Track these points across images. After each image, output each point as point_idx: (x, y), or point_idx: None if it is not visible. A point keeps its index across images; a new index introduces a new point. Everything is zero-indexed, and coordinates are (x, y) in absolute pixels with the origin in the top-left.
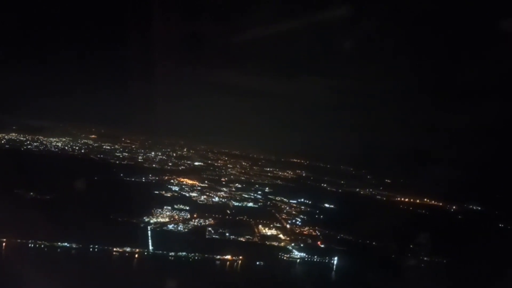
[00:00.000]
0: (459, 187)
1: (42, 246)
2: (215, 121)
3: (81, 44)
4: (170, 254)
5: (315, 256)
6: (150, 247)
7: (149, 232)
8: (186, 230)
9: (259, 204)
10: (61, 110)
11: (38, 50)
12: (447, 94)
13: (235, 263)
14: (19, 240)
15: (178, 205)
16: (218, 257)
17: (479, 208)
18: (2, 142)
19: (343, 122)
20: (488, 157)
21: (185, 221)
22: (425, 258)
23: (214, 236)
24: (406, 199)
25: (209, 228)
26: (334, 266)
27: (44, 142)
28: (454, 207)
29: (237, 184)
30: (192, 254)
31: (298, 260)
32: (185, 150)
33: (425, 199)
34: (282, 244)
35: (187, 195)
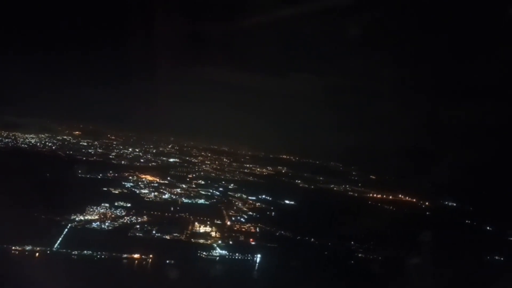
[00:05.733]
0: (444, 184)
1: None
2: (208, 118)
3: (75, 41)
4: (74, 253)
5: (237, 254)
6: (55, 246)
7: (65, 230)
8: (110, 228)
9: (212, 201)
10: (52, 107)
11: (33, 47)
12: (443, 91)
13: (144, 262)
14: None
15: (119, 202)
16: (125, 255)
17: (454, 205)
18: None
19: (336, 119)
20: (479, 155)
21: (115, 219)
22: (359, 255)
23: (137, 234)
24: (379, 196)
25: (137, 226)
26: (256, 264)
27: (18, 139)
28: (426, 203)
29: (201, 181)
30: (99, 253)
31: (216, 258)
32: (169, 146)
33: (400, 196)
34: (209, 241)
35: (137, 192)
